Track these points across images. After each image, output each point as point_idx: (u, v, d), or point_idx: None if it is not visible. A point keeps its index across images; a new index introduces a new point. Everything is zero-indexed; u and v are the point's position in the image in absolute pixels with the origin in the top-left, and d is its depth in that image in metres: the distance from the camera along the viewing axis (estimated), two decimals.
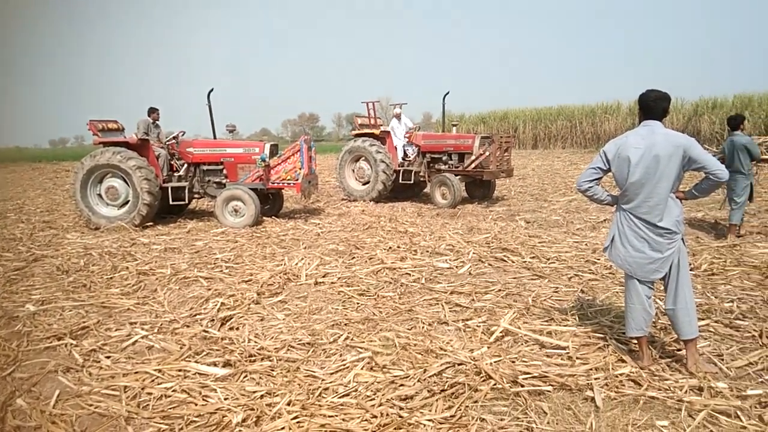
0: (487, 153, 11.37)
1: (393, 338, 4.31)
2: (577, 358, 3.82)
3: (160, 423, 3.23)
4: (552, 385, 3.45)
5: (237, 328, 4.77)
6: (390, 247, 7.61)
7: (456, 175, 11.59)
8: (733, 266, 5.99)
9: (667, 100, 3.48)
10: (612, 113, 30.95)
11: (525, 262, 6.65)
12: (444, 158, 12.35)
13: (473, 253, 7.09)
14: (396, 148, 12.71)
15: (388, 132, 12.75)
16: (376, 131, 12.81)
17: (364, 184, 12.90)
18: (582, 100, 37.82)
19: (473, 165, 11.62)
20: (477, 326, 4.56)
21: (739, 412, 3.05)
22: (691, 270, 5.85)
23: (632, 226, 3.54)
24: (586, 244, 7.37)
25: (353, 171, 13.08)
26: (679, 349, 3.79)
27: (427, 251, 7.30)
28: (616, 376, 3.51)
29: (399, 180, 12.48)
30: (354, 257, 7.18)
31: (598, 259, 6.46)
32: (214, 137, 10.67)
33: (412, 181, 12.37)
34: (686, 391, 3.30)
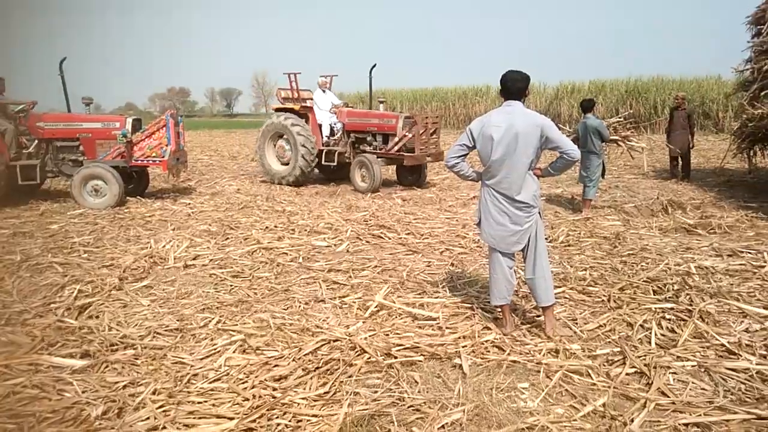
0: (411, 135, 10.47)
1: (268, 319, 4.20)
2: (446, 327, 3.96)
3: (7, 422, 2.90)
4: (423, 355, 3.55)
5: (97, 317, 4.40)
6: (267, 227, 7.42)
7: (379, 158, 10.75)
8: (586, 238, 6.55)
9: (525, 81, 3.67)
10: (482, 96, 32.42)
11: (400, 238, 6.80)
12: (368, 139, 11.23)
13: (351, 231, 7.12)
14: (320, 126, 11.60)
15: (311, 108, 11.58)
16: (297, 107, 11.57)
17: (285, 164, 11.63)
18: (455, 83, 39.18)
19: (397, 147, 10.65)
20: (353, 302, 4.58)
21: (590, 371, 3.33)
22: (549, 242, 6.35)
23: (494, 201, 3.71)
24: (456, 220, 7.68)
25: (274, 150, 11.84)
26: (539, 316, 4.06)
27: (306, 230, 7.21)
28: (482, 343, 3.69)
29: (322, 161, 11.39)
30: (228, 238, 6.92)
31: (468, 234, 6.76)
32: (69, 111, 9.70)
33: (335, 163, 11.29)
34: (544, 354, 3.55)
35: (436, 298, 4.61)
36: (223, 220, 7.84)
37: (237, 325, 4.16)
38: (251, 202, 9.34)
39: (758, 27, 9.20)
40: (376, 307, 4.40)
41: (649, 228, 6.98)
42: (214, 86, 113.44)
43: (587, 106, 8.26)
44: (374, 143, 11.16)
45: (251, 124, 52.16)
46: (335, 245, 6.50)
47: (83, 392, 3.18)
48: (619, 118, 9.18)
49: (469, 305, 4.39)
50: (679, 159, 10.96)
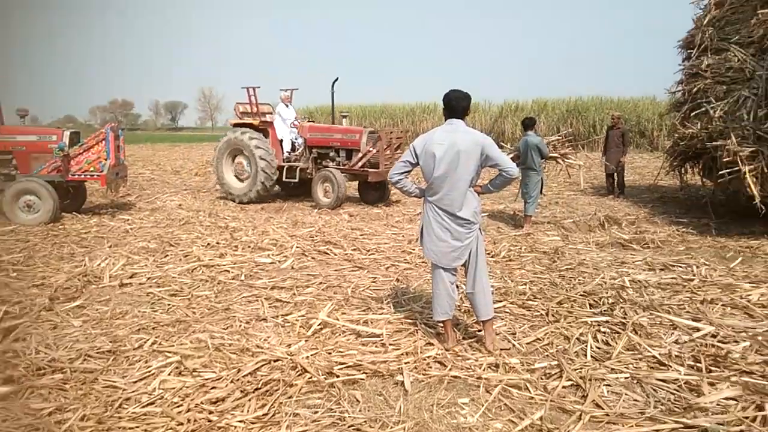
0: (375, 150, 10.33)
1: (206, 339, 4.09)
2: (390, 344, 3.95)
3: None
4: (366, 373, 3.53)
5: (24, 339, 4.17)
6: (208, 244, 7.26)
7: (342, 173, 10.46)
8: (527, 252, 6.70)
9: (467, 100, 3.75)
10: (429, 113, 32.88)
11: (347, 254, 6.77)
12: (331, 154, 10.97)
13: (296, 247, 7.04)
14: (281, 141, 11.34)
15: (271, 123, 11.33)
16: (256, 122, 11.28)
17: (244, 181, 11.29)
18: (403, 100, 39.67)
19: (361, 163, 10.45)
20: (296, 320, 4.51)
21: (528, 385, 3.38)
22: (492, 257, 6.46)
23: (437, 217, 3.76)
24: (403, 236, 7.72)
25: (232, 166, 11.43)
26: (480, 330, 4.11)
27: (249, 246, 7.09)
28: (424, 359, 3.71)
29: (283, 178, 11.10)
30: (167, 255, 6.72)
31: (413, 250, 6.80)
32: (2, 123, 9.25)
33: (296, 179, 10.92)
34: (484, 369, 3.59)
35: (381, 314, 4.61)
36: (162, 237, 7.62)
37: (173, 346, 4.02)
38: (193, 218, 9.12)
39: (688, 51, 9.72)
40: (319, 324, 4.35)
41: (587, 243, 7.21)
42: (159, 99, 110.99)
43: (528, 124, 8.50)
44: (337, 159, 10.94)
45: (196, 138, 51.23)
46: (279, 262, 6.41)
47: (3, 421, 2.99)
48: (558, 136, 9.48)
49: (413, 321, 4.40)
50: (615, 176, 11.41)
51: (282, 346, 3.95)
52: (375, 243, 7.35)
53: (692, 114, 8.68)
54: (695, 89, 8.76)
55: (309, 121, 12.05)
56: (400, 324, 4.36)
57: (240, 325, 4.46)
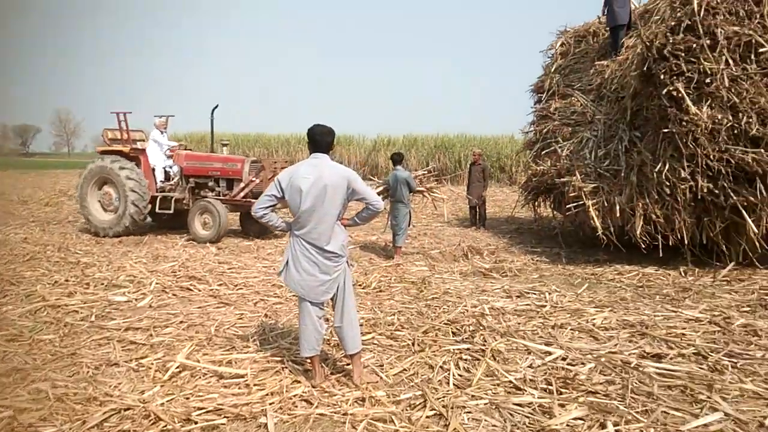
0: (258, 180, 9.98)
1: (47, 389, 3.66)
2: (254, 385, 3.80)
3: None
4: (227, 417, 3.35)
5: None
6: (56, 281, 6.60)
7: (223, 204, 9.99)
8: (396, 283, 6.84)
9: (331, 135, 3.78)
10: (305, 144, 32.89)
11: (212, 290, 6.47)
12: (210, 184, 10.49)
13: (156, 283, 6.61)
14: (154, 169, 10.61)
15: (143, 150, 10.57)
16: (126, 149, 10.46)
17: (111, 213, 10.35)
18: (278, 130, 39.25)
19: (243, 193, 10.06)
20: (152, 364, 4.19)
21: (393, 417, 3.39)
22: (362, 288, 6.51)
23: (304, 251, 3.71)
24: (274, 269, 7.55)
25: (98, 196, 10.47)
26: (348, 364, 4.08)
27: (103, 284, 6.54)
28: (290, 398, 3.60)
29: (156, 209, 10.32)
30: (6, 295, 6.00)
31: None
32: None
33: (171, 211, 10.23)
34: (351, 404, 3.55)
35: (246, 353, 4.42)
36: (2, 275, 6.79)
37: (7, 399, 3.55)
38: (39, 253, 8.26)
39: (539, 95, 10.71)
40: (177, 367, 4.08)
41: (452, 272, 7.53)
42: (7, 122, 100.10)
43: (397, 159, 8.76)
44: (217, 188, 10.50)
45: (50, 164, 46.90)
46: (136, 300, 5.97)
47: None
48: (424, 171, 9.89)
49: (280, 358, 4.27)
50: (477, 209, 12.11)
51: (134, 393, 3.65)
52: (244, 277, 7.12)
53: (543, 152, 9.49)
54: (545, 130, 9.62)
55: (185, 149, 11.51)
56: (266, 362, 4.21)
57: (88, 372, 4.06)
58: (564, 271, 7.83)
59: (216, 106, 11.26)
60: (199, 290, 6.43)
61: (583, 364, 4.22)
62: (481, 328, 4.94)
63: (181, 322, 5.26)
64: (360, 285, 6.67)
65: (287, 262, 3.82)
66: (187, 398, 3.60)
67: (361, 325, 5.01)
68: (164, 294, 6.28)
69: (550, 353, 4.40)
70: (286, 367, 4.09)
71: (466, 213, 13.42)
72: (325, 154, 3.77)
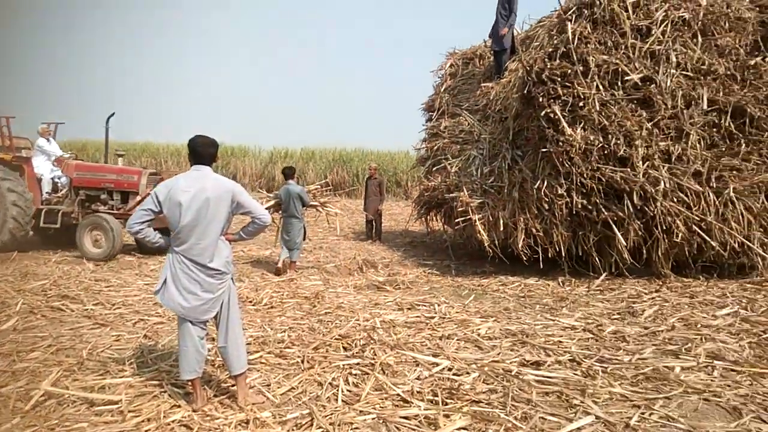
0: None
1: None
2: (129, 411, 3.54)
3: None
4: None
5: None
6: None
7: (117, 218, 9.23)
8: (289, 298, 6.71)
9: (214, 147, 3.65)
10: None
11: (87, 309, 6.01)
12: (103, 197, 9.74)
13: (23, 303, 6.03)
14: (40, 180, 9.55)
15: (27, 159, 9.55)
16: (8, 156, 9.37)
17: None
18: (167, 140, 37.42)
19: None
20: (12, 393, 3.79)
21: None
22: (253, 305, 6.33)
23: (184, 269, 3.53)
24: (154, 285, 7.14)
25: None
26: (233, 385, 3.92)
27: None
28: (168, 424, 3.39)
29: (40, 223, 9.33)
30: None
31: None
32: None
33: (57, 225, 9.33)
34: (234, 427, 3.41)
35: (121, 377, 4.12)
36: None
37: None
38: None
39: (430, 113, 11.06)
40: (42, 396, 3.72)
41: (346, 286, 7.53)
42: None
43: (288, 173, 8.65)
44: (110, 202, 9.77)
45: None
46: None
47: None
48: (318, 185, 9.83)
49: (159, 382, 4.02)
50: (374, 222, 12.25)
51: None
52: (123, 295, 6.68)
53: (434, 169, 9.81)
54: (436, 147, 9.95)
55: (75, 158, 10.64)
56: (144, 387, 3.95)
57: None
58: (453, 282, 8.08)
59: (112, 114, 10.68)
60: (72, 310, 5.94)
61: (468, 373, 4.36)
62: (372, 341, 4.96)
63: (50, 345, 4.82)
64: (251, 301, 6.48)
65: (165, 280, 3.61)
66: (52, 429, 3.29)
67: (248, 343, 4.90)
68: (32, 315, 5.74)
69: (437, 364, 4.50)
70: (165, 391, 3.86)
71: (362, 226, 13.52)
72: (207, 166, 3.63)
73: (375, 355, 4.62)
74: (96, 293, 6.71)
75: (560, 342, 5.22)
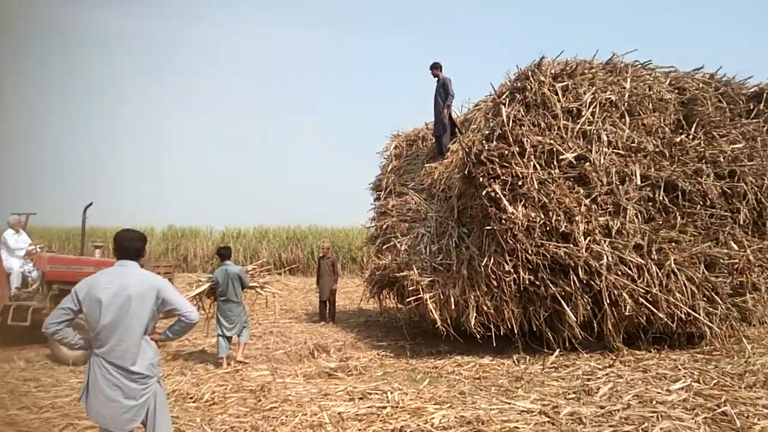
0: None
1: None
2: None
3: None
4: None
5: None
6: None
7: None
8: (233, 393, 6.34)
9: (142, 241, 3.51)
10: (189, 237, 30.80)
11: (9, 415, 5.50)
12: None
13: None
14: (9, 274, 8.88)
15: None
16: None
17: None
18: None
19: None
20: None
21: None
22: (194, 401, 5.95)
23: (104, 373, 3.27)
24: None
25: None
26: None
27: None
28: None
29: (8, 320, 8.45)
30: None
31: None
32: None
33: (27, 323, 8.43)
34: None
35: None
36: None
37: None
38: None
39: (378, 192, 11.17)
40: None
41: (295, 375, 7.19)
42: None
43: (224, 253, 8.32)
44: None
45: None
46: None
47: None
48: (255, 265, 9.53)
49: None
50: (327, 303, 11.98)
51: None
52: (53, 396, 6.19)
53: (384, 247, 9.78)
54: (385, 225, 9.97)
55: (48, 251, 10.11)
56: None
57: None
58: (407, 365, 7.86)
59: (89, 204, 10.13)
60: None
61: None
62: None
63: None
64: (191, 397, 6.09)
65: (86, 386, 3.33)
66: None
67: None
68: None
69: None
70: None
71: (316, 306, 13.20)
72: (133, 262, 3.46)
73: None
74: (22, 395, 6.19)
75: (516, 428, 5.07)
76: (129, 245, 3.45)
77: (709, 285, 7.67)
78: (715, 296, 7.68)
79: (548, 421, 5.25)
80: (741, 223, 7.94)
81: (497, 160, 7.59)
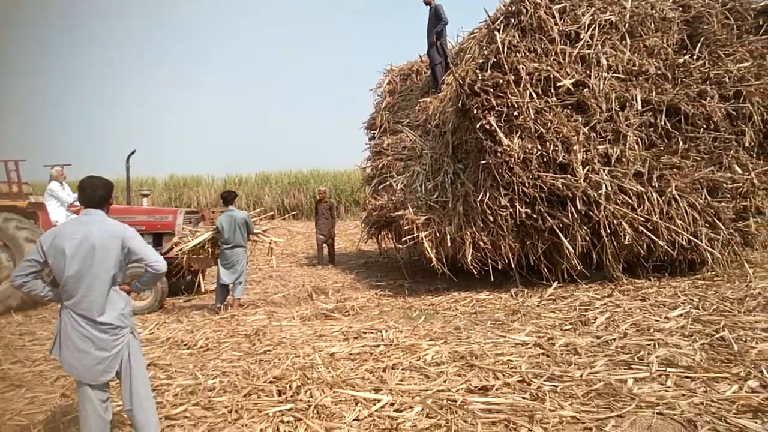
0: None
1: None
2: None
3: None
4: None
5: None
6: None
7: None
8: (227, 338, 6.30)
9: (106, 188, 3.31)
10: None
11: (1, 369, 5.49)
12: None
13: None
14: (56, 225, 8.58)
15: (41, 204, 8.89)
16: (22, 203, 8.63)
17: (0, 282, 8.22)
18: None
19: (176, 249, 8.32)
20: None
21: None
22: (187, 348, 5.92)
23: (74, 325, 3.16)
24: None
25: None
26: None
27: None
28: None
29: None
30: None
31: None
32: None
33: None
34: None
35: None
36: None
37: None
38: None
39: (372, 132, 10.86)
40: None
41: (291, 318, 7.16)
42: None
43: (228, 197, 8.03)
44: None
45: None
46: None
47: None
48: (255, 212, 9.34)
49: None
50: (326, 246, 11.91)
51: None
52: (46, 349, 6.14)
53: (380, 187, 9.58)
54: (381, 165, 9.74)
55: None
56: None
57: None
58: (404, 304, 7.82)
59: (133, 152, 9.86)
60: None
61: (411, 407, 4.07)
62: (309, 381, 4.61)
63: None
64: (185, 344, 6.07)
65: (57, 338, 3.24)
66: None
67: (175, 394, 4.53)
68: None
69: (377, 401, 4.19)
70: None
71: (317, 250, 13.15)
72: (98, 210, 3.28)
73: (311, 396, 4.29)
74: (18, 349, 6.20)
75: (510, 361, 4.99)
76: (92, 193, 3.26)
77: (712, 210, 7.46)
78: (718, 222, 7.48)
79: (542, 353, 5.18)
80: (746, 145, 7.63)
81: (492, 90, 7.26)
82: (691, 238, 7.41)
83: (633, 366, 4.64)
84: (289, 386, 4.54)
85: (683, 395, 3.99)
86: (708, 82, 7.67)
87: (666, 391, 4.09)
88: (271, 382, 4.69)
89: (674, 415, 3.70)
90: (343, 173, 30.54)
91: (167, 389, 4.70)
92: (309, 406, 4.12)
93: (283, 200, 28.54)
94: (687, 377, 4.31)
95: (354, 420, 3.93)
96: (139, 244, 3.25)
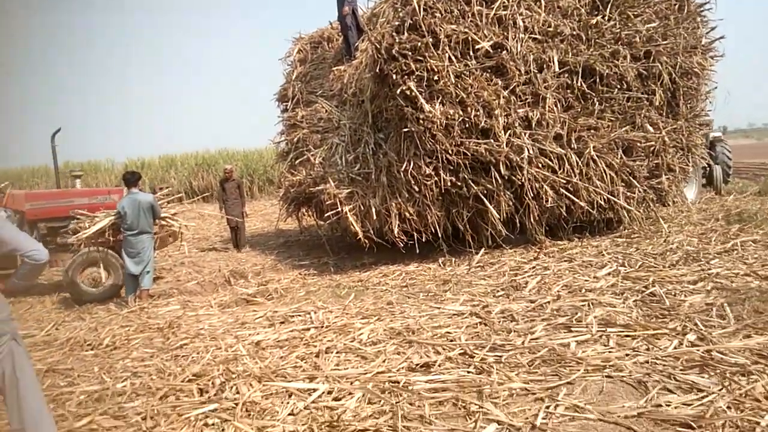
0: None
1: None
2: None
3: None
4: None
5: None
6: None
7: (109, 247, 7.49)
8: (137, 334, 5.67)
9: None
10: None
11: None
12: (72, 225, 7.70)
13: None
14: None
15: None
16: None
17: None
18: None
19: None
20: None
21: None
22: (91, 348, 5.28)
23: None
24: None
25: None
26: None
27: None
28: None
29: None
30: None
31: None
32: None
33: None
34: None
35: None
36: None
37: None
38: None
39: (284, 104, 10.26)
40: None
41: (209, 307, 6.60)
42: None
43: (131, 179, 7.22)
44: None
45: None
46: None
47: None
48: (159, 195, 8.59)
49: None
50: (237, 228, 11.20)
51: None
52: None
53: (297, 162, 9.07)
54: (296, 139, 9.21)
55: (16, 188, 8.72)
56: None
57: None
58: (331, 282, 7.47)
59: (58, 130, 9.11)
60: None
61: (350, 394, 3.74)
62: (234, 376, 4.16)
63: None
64: (88, 345, 5.39)
65: None
66: None
67: (78, 403, 3.94)
68: None
69: (313, 391, 3.82)
70: None
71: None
72: None
73: (238, 393, 3.85)
74: None
75: (448, 333, 4.79)
76: None
77: (627, 169, 7.63)
78: (633, 180, 7.67)
79: (480, 322, 5.02)
80: (656, 104, 7.83)
81: (410, 53, 6.92)
82: (610, 197, 7.55)
83: (572, 329, 4.57)
84: (212, 383, 4.07)
85: (627, 355, 3.94)
86: (620, 43, 7.77)
87: (610, 352, 4.02)
88: (190, 380, 4.18)
89: (623, 376, 3.61)
90: (254, 152, 29.44)
91: (69, 398, 4.09)
92: (236, 404, 3.67)
93: (191, 183, 27.12)
94: (627, 336, 4.28)
95: (289, 415, 3.54)
96: (11, 233, 2.68)
